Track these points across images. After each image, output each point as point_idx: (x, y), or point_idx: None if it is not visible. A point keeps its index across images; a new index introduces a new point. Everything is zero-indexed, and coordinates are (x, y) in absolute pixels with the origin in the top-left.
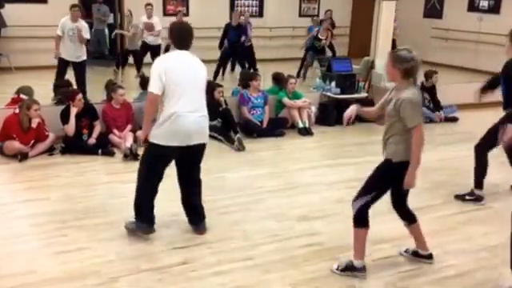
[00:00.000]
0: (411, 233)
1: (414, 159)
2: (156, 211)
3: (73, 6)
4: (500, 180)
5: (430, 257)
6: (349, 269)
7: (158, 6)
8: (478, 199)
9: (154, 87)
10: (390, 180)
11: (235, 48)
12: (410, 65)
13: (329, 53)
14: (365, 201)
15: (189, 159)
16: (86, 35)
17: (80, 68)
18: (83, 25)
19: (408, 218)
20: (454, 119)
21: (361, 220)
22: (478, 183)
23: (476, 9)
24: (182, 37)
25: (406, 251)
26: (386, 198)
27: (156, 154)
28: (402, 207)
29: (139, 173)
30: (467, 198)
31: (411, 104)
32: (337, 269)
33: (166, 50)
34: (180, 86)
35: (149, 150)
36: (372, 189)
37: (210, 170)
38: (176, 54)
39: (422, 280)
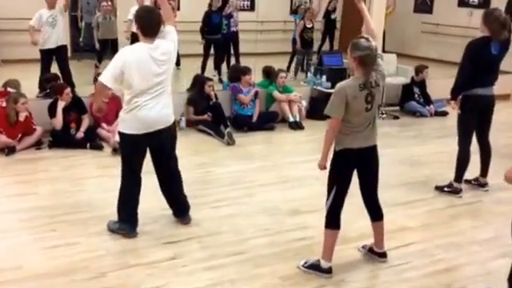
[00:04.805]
0: (373, 229)
1: (323, 147)
2: (145, 206)
3: None
4: (490, 173)
5: (383, 255)
6: (314, 267)
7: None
8: (455, 191)
9: (106, 78)
10: (338, 169)
11: (216, 34)
12: (363, 53)
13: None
14: (331, 200)
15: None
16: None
17: (62, 53)
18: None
19: (374, 214)
20: (444, 113)
21: (330, 221)
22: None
23: (466, 4)
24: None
25: (363, 247)
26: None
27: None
28: (371, 202)
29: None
30: (445, 189)
31: (337, 91)
32: (303, 265)
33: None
34: None
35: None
36: (331, 184)
37: (200, 164)
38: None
39: (412, 274)
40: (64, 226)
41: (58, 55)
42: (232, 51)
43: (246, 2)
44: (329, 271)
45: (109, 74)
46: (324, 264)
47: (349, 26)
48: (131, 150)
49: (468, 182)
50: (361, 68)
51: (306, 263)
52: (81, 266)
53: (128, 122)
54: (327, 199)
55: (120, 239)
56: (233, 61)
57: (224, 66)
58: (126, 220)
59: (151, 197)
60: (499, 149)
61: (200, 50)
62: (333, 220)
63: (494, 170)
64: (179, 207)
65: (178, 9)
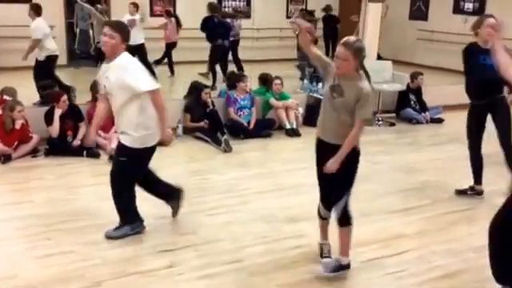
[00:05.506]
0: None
1: (346, 148)
2: (141, 214)
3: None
4: (486, 180)
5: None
6: (340, 268)
7: (144, 7)
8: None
9: (153, 83)
10: (356, 170)
11: (213, 42)
12: (365, 53)
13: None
14: (345, 200)
15: None
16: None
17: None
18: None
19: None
20: (440, 120)
21: (349, 218)
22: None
23: (461, 11)
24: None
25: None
26: (371, 200)
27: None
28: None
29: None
30: (469, 193)
31: (369, 95)
32: (329, 271)
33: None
34: None
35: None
36: (349, 185)
37: (197, 171)
38: None
39: (409, 281)
40: (59, 234)
41: (54, 62)
42: (232, 59)
43: (242, 9)
44: (349, 265)
45: (146, 77)
46: (345, 260)
47: (348, 29)
48: (147, 161)
49: (463, 192)
50: (361, 68)
51: (329, 269)
52: (76, 275)
53: (148, 137)
54: (339, 201)
55: (116, 248)
56: (231, 68)
57: (220, 74)
58: (134, 218)
59: (147, 205)
60: (495, 155)
61: (195, 56)
62: (350, 216)
63: (489, 177)
64: (168, 190)
65: (175, 11)
